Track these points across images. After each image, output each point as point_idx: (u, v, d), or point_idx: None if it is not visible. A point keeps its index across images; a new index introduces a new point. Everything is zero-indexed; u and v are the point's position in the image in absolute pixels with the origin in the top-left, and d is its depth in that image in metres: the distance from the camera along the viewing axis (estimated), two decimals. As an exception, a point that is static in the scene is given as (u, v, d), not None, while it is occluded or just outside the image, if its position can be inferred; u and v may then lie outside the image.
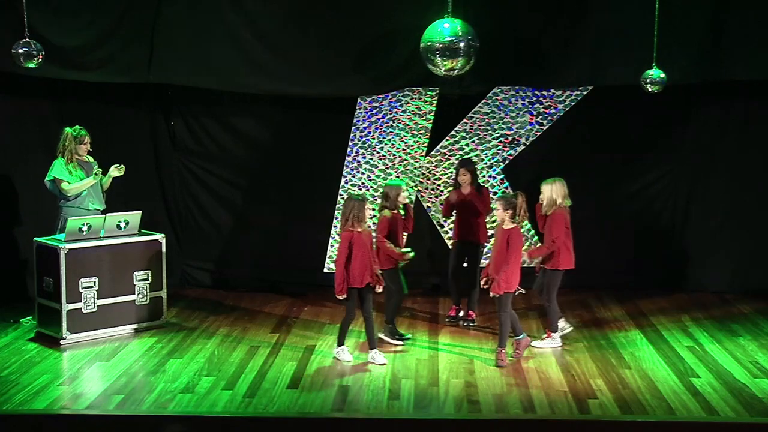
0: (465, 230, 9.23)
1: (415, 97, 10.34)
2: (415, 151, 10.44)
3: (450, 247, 9.81)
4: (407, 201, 8.74)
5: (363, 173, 10.49)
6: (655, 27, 8.89)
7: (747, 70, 9.57)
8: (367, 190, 10.44)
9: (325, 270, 10.58)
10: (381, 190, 9.05)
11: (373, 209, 8.52)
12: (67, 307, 8.49)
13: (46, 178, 8.99)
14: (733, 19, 9.49)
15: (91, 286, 8.62)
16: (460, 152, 10.40)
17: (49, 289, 8.62)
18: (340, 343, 8.18)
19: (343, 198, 10.45)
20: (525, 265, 8.54)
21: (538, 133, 10.38)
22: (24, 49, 8.45)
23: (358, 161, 10.49)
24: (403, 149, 10.45)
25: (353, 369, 7.86)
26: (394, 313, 8.68)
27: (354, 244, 7.85)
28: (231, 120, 10.60)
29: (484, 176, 10.35)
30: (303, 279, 10.66)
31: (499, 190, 10.35)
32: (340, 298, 7.91)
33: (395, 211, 8.55)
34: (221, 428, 6.82)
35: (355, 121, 10.44)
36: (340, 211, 8.26)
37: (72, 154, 8.97)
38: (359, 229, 7.88)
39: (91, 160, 9.20)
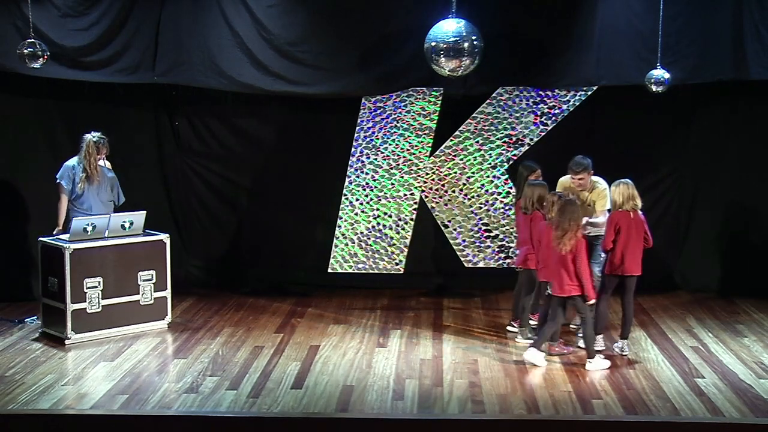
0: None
1: (419, 97, 10.33)
2: (419, 152, 10.43)
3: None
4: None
5: (367, 173, 10.48)
6: (659, 27, 8.89)
7: (751, 71, 9.56)
8: (372, 190, 10.44)
9: (329, 270, 10.56)
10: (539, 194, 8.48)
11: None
12: (71, 307, 8.49)
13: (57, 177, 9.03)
14: (740, 19, 9.48)
15: (96, 286, 8.63)
16: (464, 152, 10.39)
17: (53, 289, 8.63)
18: (539, 347, 7.96)
19: (347, 197, 10.46)
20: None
21: (542, 134, 10.37)
22: (29, 49, 8.46)
23: (363, 161, 10.48)
24: (407, 149, 10.44)
25: (357, 370, 7.85)
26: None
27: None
28: (235, 120, 10.60)
29: (488, 176, 10.35)
30: (307, 279, 10.66)
31: (503, 190, 10.35)
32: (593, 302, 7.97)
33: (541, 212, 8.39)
34: (225, 428, 6.82)
35: (359, 121, 10.43)
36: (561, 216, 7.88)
37: (96, 161, 8.94)
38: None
39: (108, 165, 9.18)
